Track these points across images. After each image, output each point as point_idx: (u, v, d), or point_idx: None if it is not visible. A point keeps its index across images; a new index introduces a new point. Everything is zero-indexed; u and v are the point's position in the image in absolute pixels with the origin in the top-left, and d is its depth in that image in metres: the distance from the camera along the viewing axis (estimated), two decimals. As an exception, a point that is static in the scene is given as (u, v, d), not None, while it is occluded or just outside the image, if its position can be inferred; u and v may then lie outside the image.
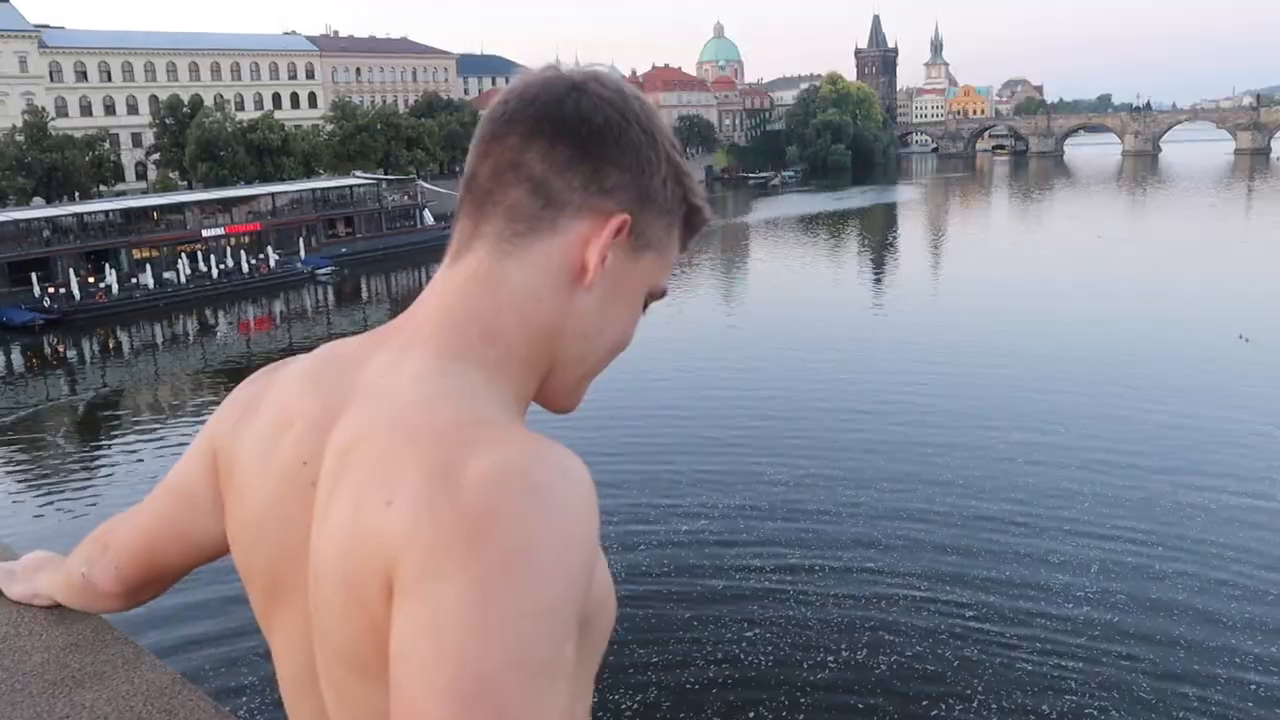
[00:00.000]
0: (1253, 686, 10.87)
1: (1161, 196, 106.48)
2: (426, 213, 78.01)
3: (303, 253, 64.15)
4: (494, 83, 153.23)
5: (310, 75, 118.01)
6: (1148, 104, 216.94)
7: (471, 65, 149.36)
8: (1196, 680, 11.02)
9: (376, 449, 0.98)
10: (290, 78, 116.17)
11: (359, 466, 0.99)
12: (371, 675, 0.96)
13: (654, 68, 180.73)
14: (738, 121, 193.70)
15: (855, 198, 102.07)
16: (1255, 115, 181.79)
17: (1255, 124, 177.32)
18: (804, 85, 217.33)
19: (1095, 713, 10.50)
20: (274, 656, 1.19)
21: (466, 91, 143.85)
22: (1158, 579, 13.75)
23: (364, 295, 58.72)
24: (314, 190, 72.11)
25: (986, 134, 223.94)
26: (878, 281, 54.69)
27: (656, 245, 1.16)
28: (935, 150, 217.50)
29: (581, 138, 1.08)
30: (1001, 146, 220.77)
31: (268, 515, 1.11)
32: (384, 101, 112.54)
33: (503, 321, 1.08)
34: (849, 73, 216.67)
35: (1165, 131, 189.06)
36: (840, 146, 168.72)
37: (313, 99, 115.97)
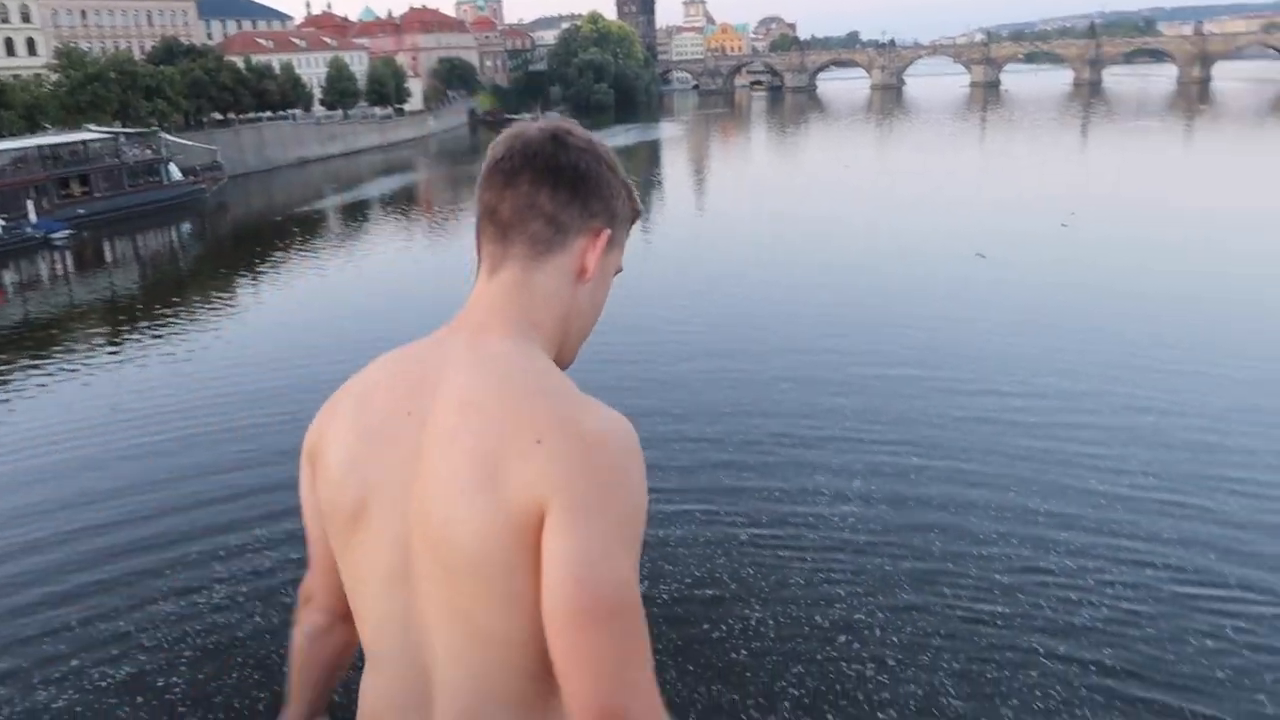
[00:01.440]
0: (998, 578, 12.10)
1: (905, 127, 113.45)
2: (172, 167, 73.35)
3: (33, 215, 58.57)
4: (239, 25, 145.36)
5: (26, 19, 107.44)
6: (892, 41, 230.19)
7: (213, 8, 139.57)
8: (948, 576, 12.13)
9: (503, 401, 1.40)
10: (2, 21, 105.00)
11: (488, 414, 1.39)
12: (482, 567, 1.37)
13: (411, 9, 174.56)
14: (499, 63, 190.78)
15: (620, 135, 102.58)
16: (986, 51, 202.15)
17: (986, 59, 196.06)
18: (565, 25, 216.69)
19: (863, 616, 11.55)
20: (349, 572, 1.57)
21: (210, 36, 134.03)
22: (912, 481, 14.99)
23: (108, 259, 53.71)
24: (41, 147, 66.05)
25: (744, 70, 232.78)
26: (642, 218, 66.87)
27: (620, 241, 1.70)
28: (696, 87, 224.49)
29: (575, 181, 1.57)
30: (759, 82, 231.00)
31: (362, 456, 1.49)
32: (117, 48, 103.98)
33: (538, 313, 1.56)
34: (609, 12, 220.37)
35: (908, 66, 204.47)
36: (603, 85, 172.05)
37: (31, 45, 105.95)
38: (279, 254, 46.19)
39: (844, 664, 10.85)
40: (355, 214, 64.84)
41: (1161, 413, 17.62)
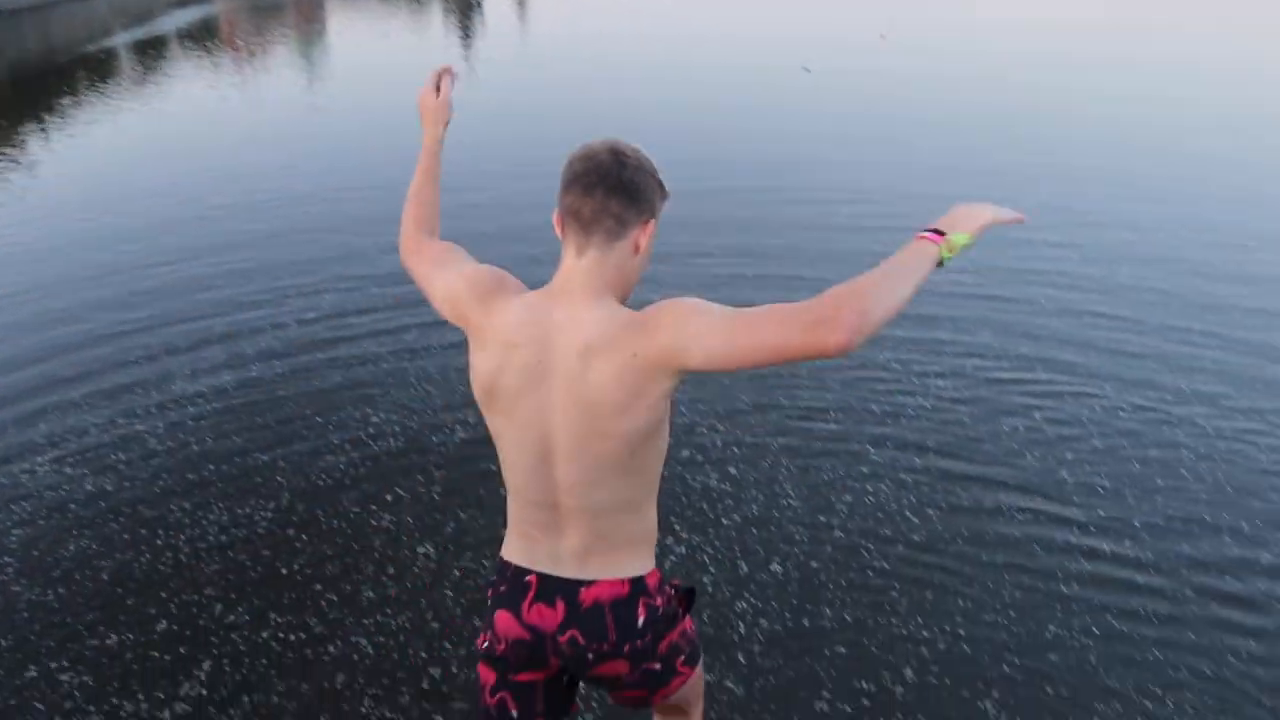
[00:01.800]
0: (830, 377, 12.72)
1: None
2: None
3: None
4: None
5: None
6: None
7: None
8: (781, 381, 12.74)
9: (634, 327, 2.31)
10: None
11: (621, 341, 2.29)
12: (628, 440, 2.33)
13: None
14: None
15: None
16: None
17: None
18: None
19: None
20: (506, 452, 2.54)
21: None
22: (742, 288, 15.35)
23: None
24: None
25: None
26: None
27: (658, 220, 2.43)
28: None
29: (633, 193, 2.36)
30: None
31: (520, 366, 2.39)
32: None
33: (610, 280, 2.40)
34: None
35: None
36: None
37: None
38: (68, 100, 42.51)
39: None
40: (150, 52, 59.92)
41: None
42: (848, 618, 9.61)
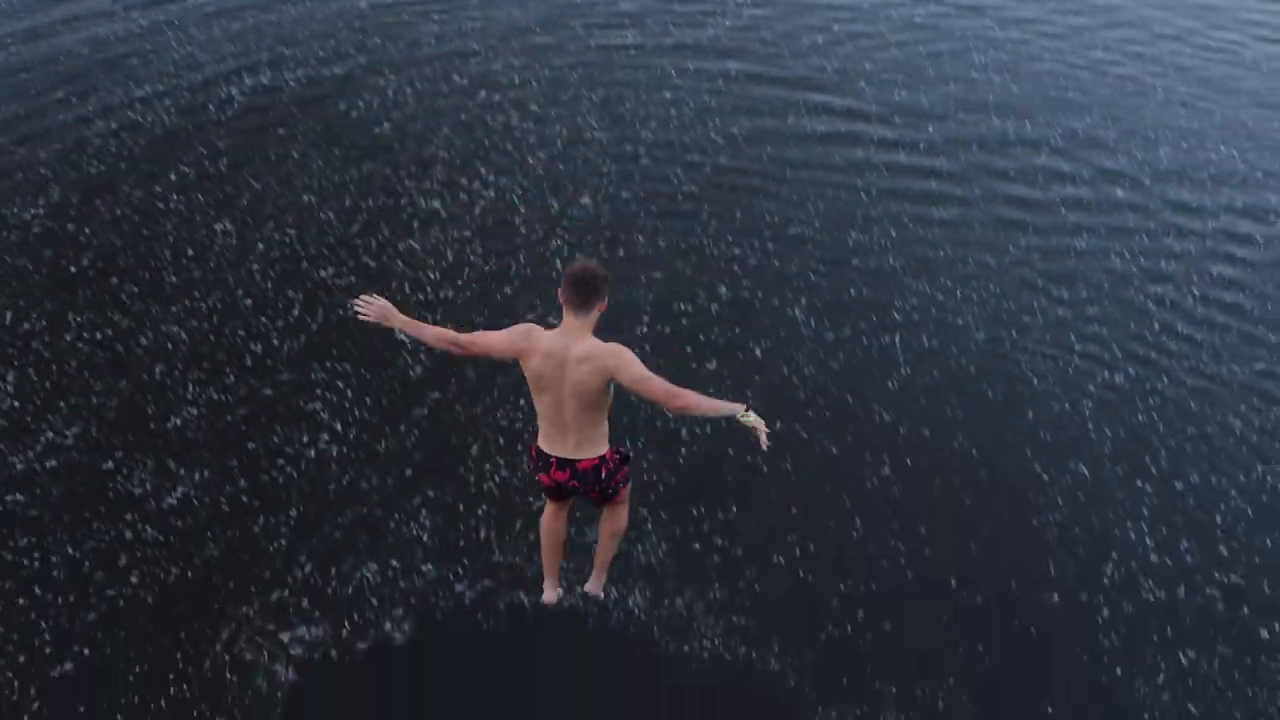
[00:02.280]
0: None
1: None
2: None
3: None
4: None
5: None
6: None
7: None
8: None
9: (599, 355, 4.67)
10: None
11: (593, 359, 4.67)
12: (594, 401, 4.80)
13: None
14: None
15: None
16: None
17: None
18: None
19: None
20: (541, 404, 4.92)
21: None
22: None
23: None
24: None
25: None
26: None
27: (606, 301, 4.85)
28: None
29: (598, 289, 4.73)
30: None
31: (548, 370, 4.75)
32: None
33: (590, 327, 4.75)
34: None
35: None
36: None
37: None
38: None
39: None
40: None
41: None
42: (661, 244, 9.88)
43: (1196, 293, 10.12)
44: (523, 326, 4.86)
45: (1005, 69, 11.65)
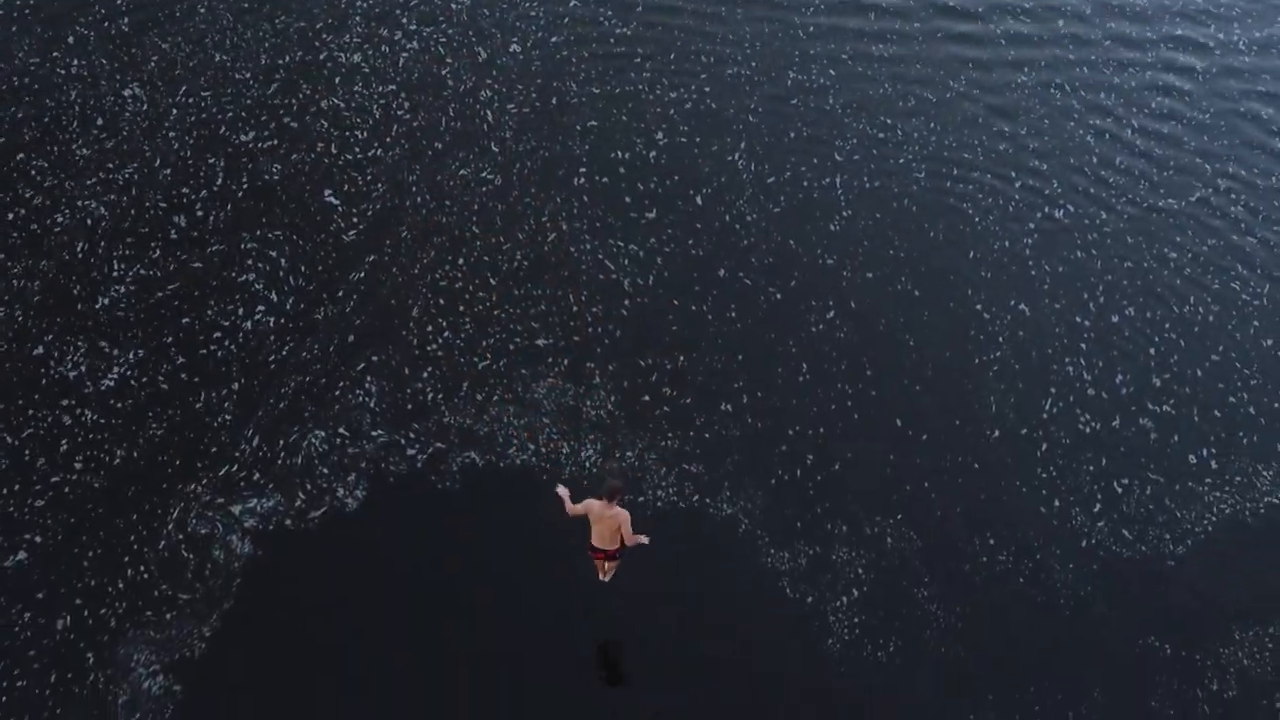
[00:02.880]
0: None
1: None
2: None
3: None
4: None
5: None
6: None
7: None
8: None
9: (617, 516, 7.13)
10: None
11: (615, 518, 7.12)
12: (614, 531, 7.24)
13: None
14: None
15: None
16: None
17: None
18: None
19: None
20: (593, 530, 7.29)
21: None
22: None
23: None
24: None
25: None
26: None
27: (623, 492, 7.70)
28: None
29: (621, 494, 7.12)
30: None
31: (595, 517, 7.11)
32: None
33: (610, 511, 7.30)
34: None
35: None
36: None
37: None
38: None
39: None
40: None
41: None
42: (595, 90, 9.54)
43: (1135, 124, 10.09)
44: (589, 502, 7.06)
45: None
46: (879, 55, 10.24)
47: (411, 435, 7.01)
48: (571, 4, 10.17)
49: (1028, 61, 10.57)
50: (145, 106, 9.09)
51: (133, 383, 7.05)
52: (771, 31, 10.08)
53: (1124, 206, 9.34)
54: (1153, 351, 8.31)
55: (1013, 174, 9.40)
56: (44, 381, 7.01)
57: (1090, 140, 9.84)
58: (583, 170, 8.58)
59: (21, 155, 8.60)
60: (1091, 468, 7.52)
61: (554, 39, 9.88)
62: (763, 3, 10.37)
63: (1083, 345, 8.23)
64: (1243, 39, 11.38)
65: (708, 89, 9.53)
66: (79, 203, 8.24)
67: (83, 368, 7.13)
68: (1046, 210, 9.18)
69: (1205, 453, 7.73)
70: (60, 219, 8.09)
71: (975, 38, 10.65)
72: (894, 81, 9.97)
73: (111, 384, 7.07)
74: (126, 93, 9.21)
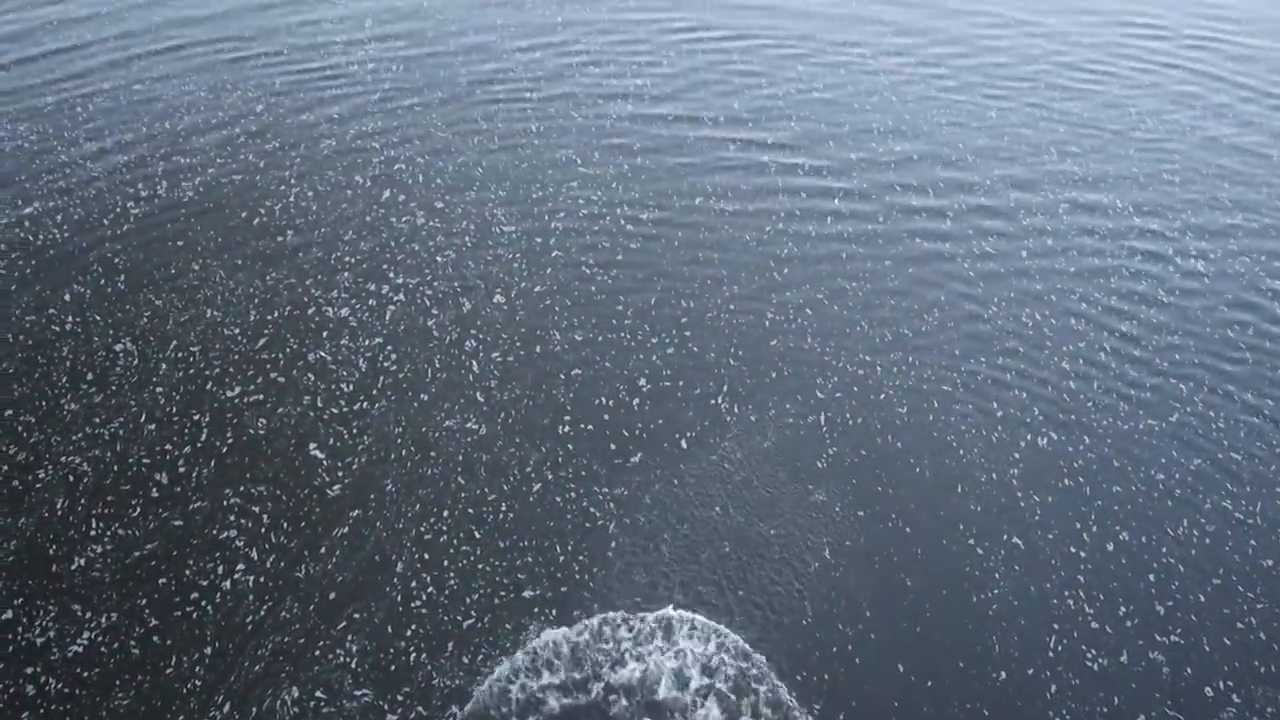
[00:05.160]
0: None
1: None
2: None
3: None
4: None
5: None
6: None
7: None
8: None
9: None
10: None
11: None
12: None
13: None
14: None
15: None
16: None
17: None
18: None
19: None
20: None
21: None
22: None
23: None
24: None
25: None
26: None
27: None
28: None
29: None
30: None
31: None
32: None
33: None
34: None
35: None
36: None
37: None
38: None
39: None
40: None
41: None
42: (578, 338, 9.75)
43: (1108, 347, 10.30)
44: None
45: (896, 103, 11.92)
46: (853, 293, 10.56)
47: (396, 698, 6.70)
48: (554, 254, 10.55)
49: (998, 292, 10.91)
50: (135, 361, 9.21)
51: (102, 649, 6.79)
52: (747, 276, 10.41)
53: (1105, 432, 9.39)
54: (1152, 579, 8.15)
55: (993, 404, 9.50)
56: (10, 648, 6.75)
57: (1065, 365, 10.03)
58: (567, 418, 8.64)
59: (10, 411, 8.63)
60: (1105, 709, 7.21)
61: (537, 289, 10.18)
62: (737, 248, 10.76)
63: (1080, 577, 8.07)
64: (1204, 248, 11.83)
65: (688, 333, 9.75)
66: (62, 458, 8.19)
67: (51, 633, 6.89)
68: (1030, 439, 9.22)
69: (1223, 685, 7.44)
70: (43, 475, 8.02)
71: (951, 271, 11.03)
72: (868, 320, 10.23)
73: (80, 650, 6.80)
74: (118, 347, 9.35)
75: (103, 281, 10.06)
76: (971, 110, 13.38)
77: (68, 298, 9.91)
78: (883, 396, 9.40)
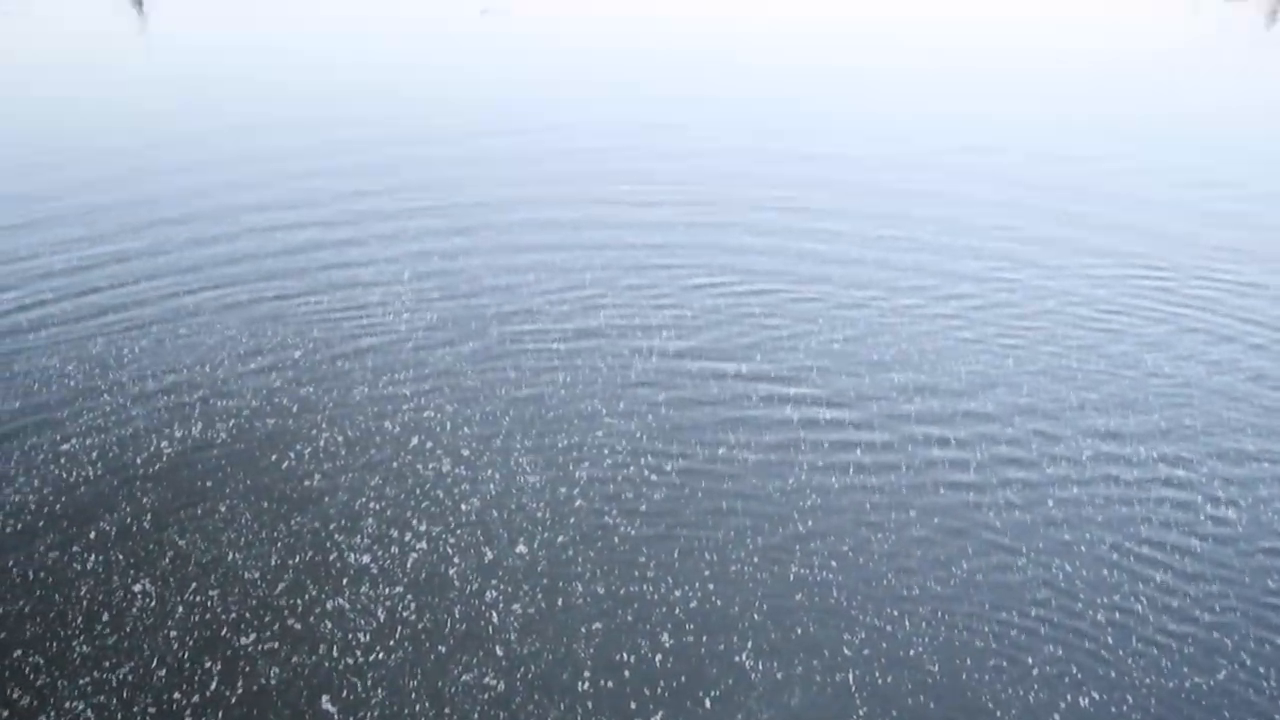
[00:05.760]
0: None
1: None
2: None
3: None
4: None
5: None
6: None
7: None
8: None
9: None
10: None
11: None
12: None
13: None
14: None
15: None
16: None
17: None
18: None
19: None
20: None
21: None
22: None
23: None
24: None
25: None
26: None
27: None
28: None
29: None
30: None
31: None
32: None
33: None
34: None
35: None
36: None
37: None
38: None
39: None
40: None
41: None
42: (600, 590, 9.65)
43: (1145, 598, 10.05)
44: None
45: (923, 350, 12.18)
46: (878, 545, 10.46)
47: None
48: (578, 503, 10.58)
49: (1027, 542, 10.77)
50: (153, 603, 9.13)
51: None
52: (770, 528, 10.37)
53: (1150, 689, 9.00)
54: None
55: (1029, 660, 9.17)
56: None
57: (1100, 618, 9.74)
58: (586, 674, 8.41)
59: (19, 651, 8.50)
60: None
61: (560, 538, 10.15)
62: (762, 499, 10.78)
63: None
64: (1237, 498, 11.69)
65: (711, 587, 9.61)
66: (66, 704, 7.99)
67: None
68: (1070, 699, 8.83)
69: None
70: (44, 724, 7.81)
71: (977, 521, 10.97)
72: (895, 572, 10.08)
73: None
74: (137, 588, 9.29)
75: (129, 520, 10.13)
76: (989, 359, 13.68)
77: (93, 535, 9.96)
78: (912, 653, 9.11)
